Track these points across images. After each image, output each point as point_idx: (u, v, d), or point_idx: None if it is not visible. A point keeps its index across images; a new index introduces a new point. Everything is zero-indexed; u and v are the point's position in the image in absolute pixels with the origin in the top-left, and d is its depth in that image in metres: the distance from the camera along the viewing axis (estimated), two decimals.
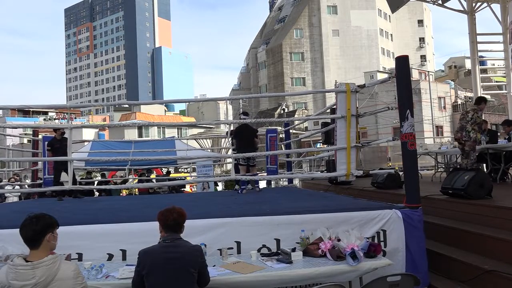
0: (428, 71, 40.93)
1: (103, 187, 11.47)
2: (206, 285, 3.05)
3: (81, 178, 12.65)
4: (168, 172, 16.21)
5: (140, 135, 40.35)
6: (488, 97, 29.18)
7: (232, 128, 12.35)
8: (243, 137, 7.80)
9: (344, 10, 54.63)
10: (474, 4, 14.90)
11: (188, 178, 15.61)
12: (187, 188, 16.46)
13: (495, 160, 7.71)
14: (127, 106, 53.43)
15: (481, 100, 6.79)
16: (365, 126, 29.82)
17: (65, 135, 7.94)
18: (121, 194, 13.48)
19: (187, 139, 18.28)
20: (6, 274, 2.47)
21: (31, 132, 11.79)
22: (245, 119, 8.05)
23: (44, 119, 52.15)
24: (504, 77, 15.62)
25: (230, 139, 9.69)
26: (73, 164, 8.01)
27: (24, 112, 53.19)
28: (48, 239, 2.56)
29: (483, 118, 7.85)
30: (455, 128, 7.00)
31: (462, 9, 14.98)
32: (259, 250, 3.87)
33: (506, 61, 14.34)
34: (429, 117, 31.39)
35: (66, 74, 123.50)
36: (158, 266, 2.85)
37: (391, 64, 47.87)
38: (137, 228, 3.88)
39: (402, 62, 4.56)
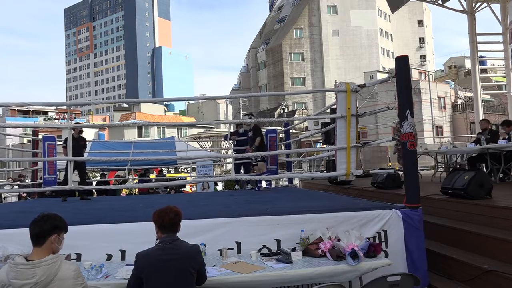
0: (428, 71, 40.83)
1: (103, 187, 11.46)
2: (203, 283, 3.04)
3: None
4: (161, 171, 16.18)
5: (140, 135, 40.31)
6: (488, 97, 29.26)
7: (232, 129, 12.39)
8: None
9: (344, 10, 54.64)
10: (474, 4, 14.91)
11: (188, 178, 15.60)
12: (187, 188, 16.46)
13: (495, 160, 7.72)
14: (127, 106, 53.44)
15: None
16: (365, 126, 29.77)
17: (82, 135, 7.94)
18: (121, 194, 13.51)
19: (187, 141, 18.28)
20: (6, 273, 2.46)
21: (31, 132, 11.77)
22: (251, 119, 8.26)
23: (44, 119, 52.21)
24: (504, 77, 15.63)
25: (229, 141, 9.79)
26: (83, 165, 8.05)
27: (24, 112, 53.30)
28: (52, 240, 2.57)
29: (484, 118, 8.09)
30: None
31: (462, 9, 14.99)
32: (259, 250, 3.86)
33: (506, 61, 14.35)
34: (429, 117, 31.34)
35: (66, 74, 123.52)
36: (158, 269, 2.82)
37: (391, 64, 47.88)
38: (137, 228, 3.87)
39: (402, 62, 4.55)
